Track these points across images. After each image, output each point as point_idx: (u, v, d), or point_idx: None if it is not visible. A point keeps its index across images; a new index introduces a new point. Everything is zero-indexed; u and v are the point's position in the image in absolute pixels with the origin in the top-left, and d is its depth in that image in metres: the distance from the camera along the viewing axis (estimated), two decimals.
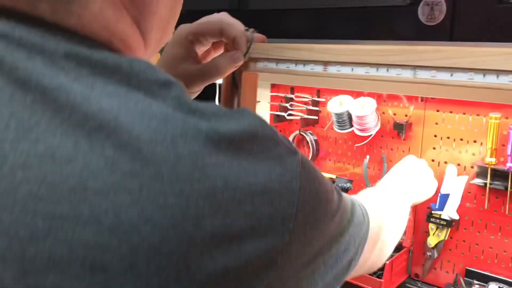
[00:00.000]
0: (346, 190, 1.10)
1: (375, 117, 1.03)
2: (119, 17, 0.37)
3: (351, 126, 1.07)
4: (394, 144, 1.06)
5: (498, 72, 0.44)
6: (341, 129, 1.08)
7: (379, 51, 0.50)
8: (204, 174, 0.29)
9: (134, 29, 0.39)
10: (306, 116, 1.14)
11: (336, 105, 1.06)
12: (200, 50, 0.65)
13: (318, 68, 0.52)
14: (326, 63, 0.52)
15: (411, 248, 1.06)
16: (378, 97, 1.05)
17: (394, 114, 1.05)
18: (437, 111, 0.99)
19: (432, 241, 1.00)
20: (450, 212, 0.96)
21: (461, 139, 0.97)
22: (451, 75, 0.47)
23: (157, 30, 0.42)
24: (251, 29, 0.62)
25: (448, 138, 0.98)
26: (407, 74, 0.50)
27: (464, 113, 0.96)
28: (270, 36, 0.81)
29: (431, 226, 1.00)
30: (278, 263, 0.32)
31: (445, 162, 0.99)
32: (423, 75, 0.48)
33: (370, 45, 0.50)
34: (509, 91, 0.43)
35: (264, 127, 0.34)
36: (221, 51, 0.66)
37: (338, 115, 1.06)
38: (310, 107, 1.14)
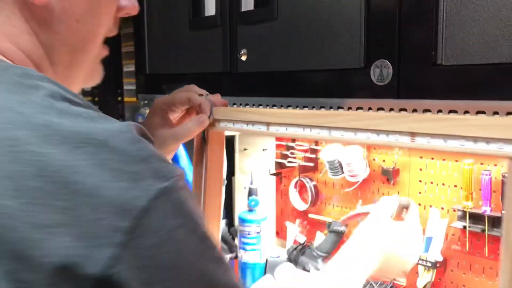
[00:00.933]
0: (341, 233, 1.16)
1: (363, 164, 1.10)
2: (19, 32, 0.45)
3: (343, 172, 1.14)
4: (385, 189, 1.13)
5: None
6: (334, 175, 1.16)
7: (307, 115, 0.60)
8: (17, 158, 0.33)
9: (36, 45, 0.47)
10: (303, 163, 1.23)
11: (328, 153, 1.15)
12: (174, 117, 0.77)
13: (263, 128, 0.62)
14: (268, 124, 0.62)
15: None
16: (368, 145, 1.13)
17: (383, 161, 1.12)
18: (420, 157, 1.05)
19: (420, 282, 1.04)
20: (434, 254, 1.01)
21: (443, 184, 1.02)
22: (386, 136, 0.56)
23: (64, 49, 0.49)
24: (208, 95, 0.74)
25: (431, 183, 1.04)
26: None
27: (444, 160, 1.02)
28: (252, 94, 0.92)
29: (420, 268, 1.05)
30: (88, 268, 0.32)
31: (430, 206, 1.05)
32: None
33: (300, 111, 0.59)
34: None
35: (132, 142, 0.36)
36: (193, 115, 0.77)
37: (330, 162, 1.14)
38: (308, 155, 1.23)
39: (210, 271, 0.39)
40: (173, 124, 0.76)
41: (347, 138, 0.55)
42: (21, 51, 0.47)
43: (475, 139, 0.44)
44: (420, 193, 1.06)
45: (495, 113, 0.62)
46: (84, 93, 1.49)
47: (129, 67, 1.51)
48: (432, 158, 1.03)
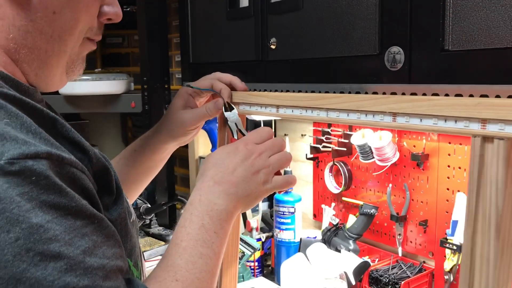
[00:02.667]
0: (371, 215, 1.20)
1: (392, 148, 1.13)
2: None
3: (373, 157, 1.18)
4: (415, 173, 1.15)
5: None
6: (365, 160, 1.20)
7: (307, 97, 0.65)
8: None
9: (7, 29, 0.51)
10: (337, 148, 1.27)
11: (359, 137, 1.18)
12: (200, 101, 0.86)
13: (274, 110, 0.68)
14: (278, 106, 0.68)
15: (433, 272, 1.13)
16: (398, 130, 1.15)
17: (414, 146, 1.14)
18: (449, 143, 1.07)
19: (447, 265, 1.06)
20: (460, 237, 1.02)
21: None
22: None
23: (39, 37, 0.53)
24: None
25: (459, 168, 1.06)
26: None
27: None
28: (281, 80, 0.98)
29: (447, 251, 1.06)
30: None
31: (458, 191, 1.06)
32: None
33: (303, 94, 0.64)
34: None
35: None
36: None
37: (360, 147, 1.18)
38: (342, 140, 1.27)
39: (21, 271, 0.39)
40: (195, 107, 0.84)
41: (341, 119, 0.60)
42: None
43: (446, 118, 0.48)
44: (448, 178, 1.08)
45: (497, 96, 0.65)
46: (135, 81, 1.61)
47: (179, 57, 1.61)
48: (460, 144, 1.05)
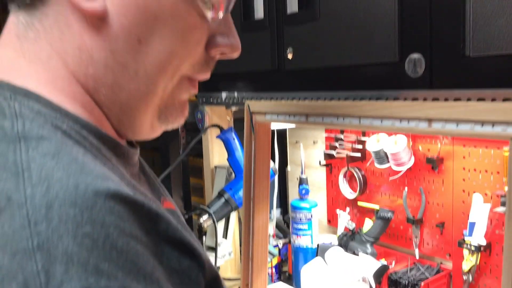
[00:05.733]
0: (388, 219, 1.22)
1: (407, 153, 1.15)
2: (69, 49, 0.42)
3: (389, 161, 1.20)
4: (430, 177, 1.17)
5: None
6: (380, 165, 1.22)
7: (339, 106, 0.67)
8: None
9: (86, 64, 0.42)
10: (351, 154, 1.29)
11: (374, 143, 1.21)
12: None
13: (303, 118, 0.70)
14: (307, 115, 0.70)
15: (450, 273, 1.15)
16: (412, 135, 1.17)
17: (428, 150, 1.16)
18: (463, 146, 1.09)
19: (465, 265, 1.08)
20: (477, 238, 1.04)
21: (486, 171, 1.06)
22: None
23: (121, 73, 0.43)
24: None
25: (474, 170, 1.08)
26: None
27: (486, 147, 1.05)
28: (299, 89, 1.00)
29: (465, 252, 1.08)
30: None
31: (474, 192, 1.08)
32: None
33: (334, 102, 0.66)
34: None
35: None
36: None
37: (376, 153, 1.20)
38: (356, 146, 1.29)
39: None
40: None
41: (375, 126, 0.62)
42: (67, 68, 0.43)
43: (483, 122, 0.50)
44: (464, 180, 1.10)
45: None
46: None
47: None
48: (475, 146, 1.07)
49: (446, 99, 0.76)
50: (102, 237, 0.33)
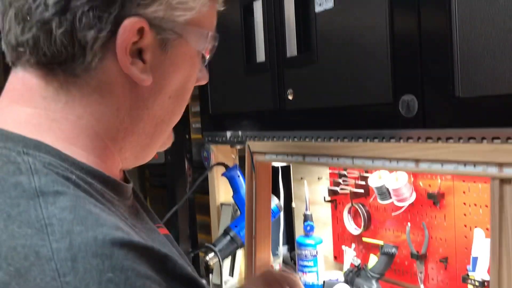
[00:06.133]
0: (392, 254, 1.23)
1: (408, 189, 1.17)
2: (106, 110, 0.49)
3: (391, 197, 1.22)
4: (432, 212, 1.19)
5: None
6: (383, 200, 1.23)
7: (334, 147, 0.70)
8: None
9: (121, 120, 0.50)
10: (354, 190, 1.31)
11: (376, 179, 1.23)
12: None
13: (300, 158, 0.74)
14: (304, 155, 0.73)
15: None
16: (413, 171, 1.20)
17: (429, 185, 1.18)
18: (463, 181, 1.11)
19: None
20: (481, 273, 1.05)
21: (486, 206, 1.07)
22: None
23: (150, 122, 0.52)
24: None
25: (475, 205, 1.09)
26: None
27: (485, 182, 1.07)
28: (299, 128, 1.04)
29: (469, 287, 1.09)
30: None
31: (475, 227, 1.09)
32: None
33: (329, 143, 0.70)
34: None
35: None
36: None
37: (378, 188, 1.22)
38: (359, 182, 1.32)
39: None
40: None
41: (366, 165, 0.65)
42: (97, 126, 0.49)
43: (465, 162, 0.52)
44: (465, 215, 1.11)
45: (508, 138, 0.70)
46: None
47: (196, 107, 1.68)
48: (474, 182, 1.09)
49: (439, 138, 0.79)
50: (123, 281, 0.38)
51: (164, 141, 0.58)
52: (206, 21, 0.54)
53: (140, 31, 0.47)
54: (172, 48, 0.51)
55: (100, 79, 0.48)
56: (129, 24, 0.46)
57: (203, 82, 0.61)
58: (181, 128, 1.51)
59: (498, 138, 0.70)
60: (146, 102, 0.51)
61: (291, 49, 1.05)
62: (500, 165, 0.50)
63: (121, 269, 0.38)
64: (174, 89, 0.53)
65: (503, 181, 0.50)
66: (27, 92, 0.48)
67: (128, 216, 0.50)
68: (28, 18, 0.46)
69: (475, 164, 0.52)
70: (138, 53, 0.49)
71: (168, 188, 1.51)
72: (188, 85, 0.56)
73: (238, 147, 1.38)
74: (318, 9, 0.97)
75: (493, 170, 0.50)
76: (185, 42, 0.52)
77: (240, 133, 1.22)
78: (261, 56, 1.14)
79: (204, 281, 0.50)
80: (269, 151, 0.82)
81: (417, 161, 0.58)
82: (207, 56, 0.57)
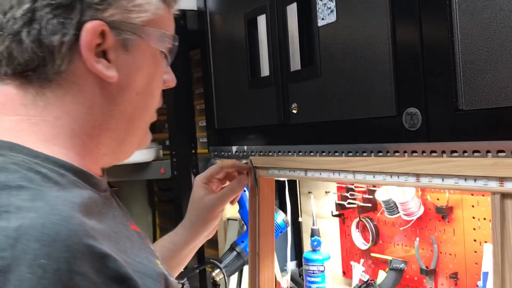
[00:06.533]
0: (401, 270, 1.21)
1: (416, 202, 1.16)
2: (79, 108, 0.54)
3: (399, 211, 1.20)
4: (441, 226, 1.17)
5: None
6: (391, 215, 1.22)
7: (334, 161, 0.69)
8: None
9: (96, 117, 0.55)
10: (362, 204, 1.30)
11: (383, 193, 1.21)
12: (216, 185, 0.95)
13: (302, 173, 0.73)
14: (306, 170, 0.72)
15: None
16: None
17: (437, 199, 1.17)
18: (472, 194, 1.09)
19: None
20: None
21: None
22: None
23: (122, 118, 0.57)
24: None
25: (484, 219, 1.07)
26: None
27: (484, 194, 1.05)
28: (304, 142, 1.03)
29: None
30: None
31: (485, 242, 1.07)
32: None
33: (330, 158, 0.69)
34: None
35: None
36: (233, 179, 0.94)
37: (385, 202, 1.20)
38: (366, 196, 1.30)
39: None
40: (216, 191, 0.93)
41: (368, 180, 0.64)
42: (73, 124, 0.54)
43: (466, 177, 0.51)
44: (474, 229, 1.09)
45: None
46: (164, 147, 1.68)
47: (203, 122, 1.69)
48: (483, 195, 1.07)
49: (443, 152, 0.78)
50: (52, 270, 0.40)
51: (141, 139, 0.63)
52: (162, 23, 0.59)
53: (102, 34, 0.53)
54: (134, 48, 0.56)
55: (71, 81, 0.53)
56: (90, 27, 0.51)
57: (172, 84, 0.66)
58: (187, 143, 1.51)
59: (503, 151, 0.69)
60: (116, 99, 0.56)
61: (295, 63, 1.05)
62: (501, 179, 0.49)
63: (55, 259, 0.41)
64: (141, 86, 0.58)
65: (504, 195, 0.49)
66: (8, 103, 0.53)
67: (100, 204, 0.53)
68: (1, 32, 0.52)
69: (475, 178, 0.51)
70: (103, 54, 0.54)
71: (175, 203, 1.50)
72: (154, 83, 0.60)
73: (244, 161, 1.37)
74: (321, 22, 0.97)
75: (493, 185, 0.49)
76: (145, 42, 0.57)
77: (245, 147, 1.22)
78: (265, 70, 1.14)
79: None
80: (272, 166, 0.81)
81: (417, 175, 0.57)
82: (169, 56, 0.62)
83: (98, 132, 0.56)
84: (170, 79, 0.66)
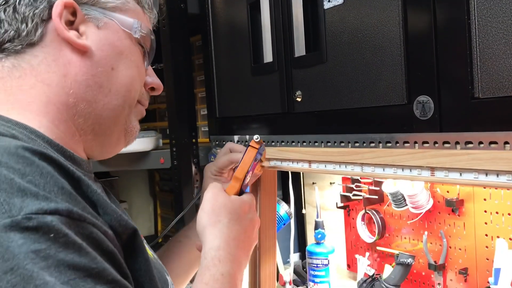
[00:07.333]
0: (408, 265, 1.17)
1: (425, 195, 1.11)
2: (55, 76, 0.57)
3: (406, 204, 1.15)
4: (451, 220, 1.12)
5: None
6: (398, 207, 1.17)
7: (341, 152, 0.64)
8: None
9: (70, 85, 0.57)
10: (368, 196, 1.25)
11: (391, 185, 1.17)
12: (224, 178, 0.94)
13: (306, 165, 0.68)
14: (310, 162, 0.68)
15: None
16: None
17: (447, 192, 1.12)
18: (484, 187, 1.04)
19: None
20: (504, 286, 0.98)
21: (509, 214, 1.00)
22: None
23: (99, 90, 0.59)
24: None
25: (497, 213, 1.02)
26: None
27: (508, 189, 1.00)
28: (308, 132, 0.98)
29: None
30: None
31: (498, 237, 1.02)
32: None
33: (336, 149, 0.64)
34: None
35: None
36: None
37: (393, 194, 1.16)
38: (373, 187, 1.25)
39: None
40: (228, 180, 0.92)
41: (377, 173, 0.59)
42: (48, 92, 0.56)
43: (487, 172, 0.47)
44: (486, 223, 1.05)
45: None
46: (164, 136, 1.63)
47: (204, 110, 1.64)
48: (496, 188, 1.02)
49: (457, 143, 0.73)
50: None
51: (129, 131, 0.64)
52: (135, 16, 0.63)
53: (73, 12, 0.57)
54: (104, 27, 0.60)
55: (46, 52, 0.56)
56: (61, 1, 0.56)
57: (156, 89, 0.68)
58: (188, 133, 1.46)
59: None
60: (91, 70, 0.58)
61: (300, 48, 1.00)
62: None
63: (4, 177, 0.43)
64: (116, 64, 0.60)
65: None
66: None
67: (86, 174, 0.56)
68: None
69: (498, 173, 0.46)
70: (76, 30, 0.58)
71: (175, 193, 1.46)
72: (133, 68, 0.62)
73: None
74: (327, 5, 0.91)
75: None
76: (116, 24, 0.61)
77: (247, 137, 1.17)
78: (268, 56, 1.09)
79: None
80: (274, 157, 0.76)
81: (432, 169, 0.52)
82: (148, 54, 0.66)
83: (73, 101, 0.57)
84: (154, 83, 0.68)
